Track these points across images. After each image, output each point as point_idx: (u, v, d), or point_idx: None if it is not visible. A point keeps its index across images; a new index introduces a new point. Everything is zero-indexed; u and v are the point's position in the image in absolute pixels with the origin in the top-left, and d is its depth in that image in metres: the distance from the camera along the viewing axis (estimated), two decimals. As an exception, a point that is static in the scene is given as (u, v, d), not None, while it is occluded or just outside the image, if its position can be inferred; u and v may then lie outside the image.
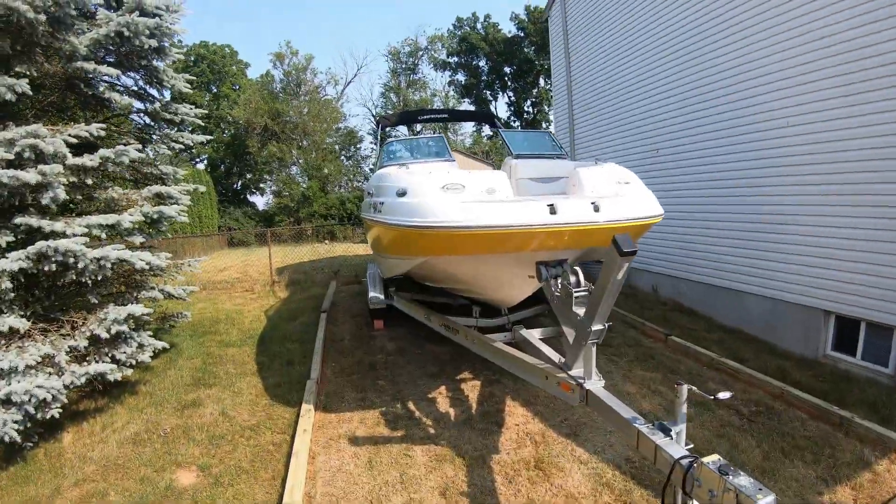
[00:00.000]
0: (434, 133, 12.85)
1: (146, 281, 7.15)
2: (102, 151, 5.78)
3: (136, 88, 7.29)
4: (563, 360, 5.04)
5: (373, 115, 50.33)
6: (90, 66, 5.88)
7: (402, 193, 5.17)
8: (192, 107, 8.05)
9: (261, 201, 48.34)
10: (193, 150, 48.20)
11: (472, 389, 6.69)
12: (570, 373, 4.77)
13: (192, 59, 48.58)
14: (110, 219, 5.80)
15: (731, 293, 8.74)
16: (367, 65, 79.17)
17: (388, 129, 10.44)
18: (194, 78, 8.16)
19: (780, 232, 7.77)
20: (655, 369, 7.13)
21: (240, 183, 48.37)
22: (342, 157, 46.38)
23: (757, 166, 8.02)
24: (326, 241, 24.74)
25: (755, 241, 8.19)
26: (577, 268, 4.91)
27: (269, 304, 11.36)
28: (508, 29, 45.03)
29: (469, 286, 6.39)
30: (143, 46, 6.16)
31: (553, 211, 4.53)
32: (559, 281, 4.87)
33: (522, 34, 43.49)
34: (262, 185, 47.37)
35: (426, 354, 7.72)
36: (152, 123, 7.66)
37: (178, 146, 7.87)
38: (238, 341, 8.76)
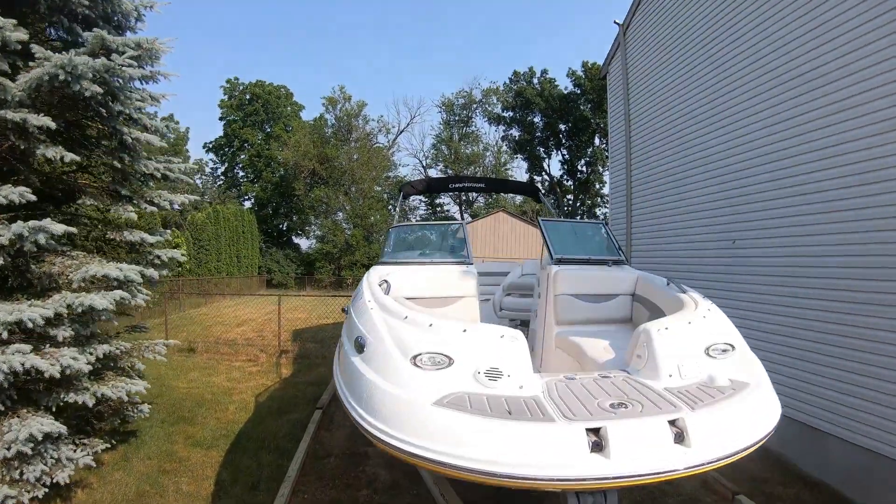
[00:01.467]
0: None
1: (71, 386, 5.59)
2: (15, 226, 4.45)
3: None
4: None
5: (423, 167, 49.65)
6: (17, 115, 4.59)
7: (360, 348, 3.76)
8: (174, 160, 6.71)
9: (305, 244, 47.89)
10: (242, 189, 48.52)
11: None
12: None
13: (248, 97, 49.12)
14: (12, 313, 4.41)
15: (810, 432, 6.71)
16: (421, 115, 79.73)
17: (410, 197, 8.97)
18: (170, 133, 6.84)
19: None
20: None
21: (285, 224, 48.07)
22: (389, 207, 45.64)
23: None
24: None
25: (846, 370, 6.26)
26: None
27: (266, 383, 9.89)
28: (565, 85, 44.20)
29: None
30: (85, 93, 4.87)
31: (599, 447, 2.84)
32: None
33: (579, 91, 42.47)
34: (306, 228, 46.87)
35: (424, 499, 5.72)
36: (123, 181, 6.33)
37: (154, 206, 6.51)
38: (210, 439, 7.24)
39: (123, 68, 5.20)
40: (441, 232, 6.72)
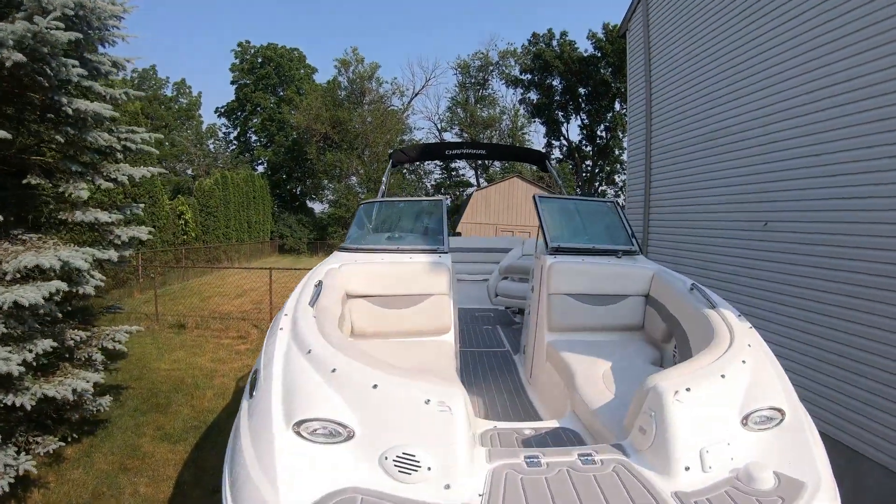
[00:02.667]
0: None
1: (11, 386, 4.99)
2: None
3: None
4: None
5: (438, 130, 48.57)
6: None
7: (251, 388, 2.80)
8: (137, 129, 6.07)
9: (319, 208, 47.50)
10: (254, 153, 48.01)
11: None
12: None
13: (260, 60, 48.27)
14: None
15: (842, 449, 5.76)
16: (436, 77, 77.76)
17: (402, 166, 8.08)
18: (126, 97, 6.15)
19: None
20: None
21: (298, 189, 47.61)
22: (404, 170, 44.91)
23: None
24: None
25: (889, 385, 5.25)
26: None
27: (252, 364, 9.38)
28: (585, 48, 42.80)
29: None
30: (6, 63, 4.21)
31: None
32: None
33: (599, 54, 41.01)
34: (320, 192, 46.37)
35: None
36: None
37: (110, 182, 5.91)
38: (179, 432, 6.77)
39: (52, 32, 4.53)
40: (416, 211, 5.81)
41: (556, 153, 46.82)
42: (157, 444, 6.49)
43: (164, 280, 17.96)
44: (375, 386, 2.45)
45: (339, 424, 2.34)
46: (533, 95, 45.92)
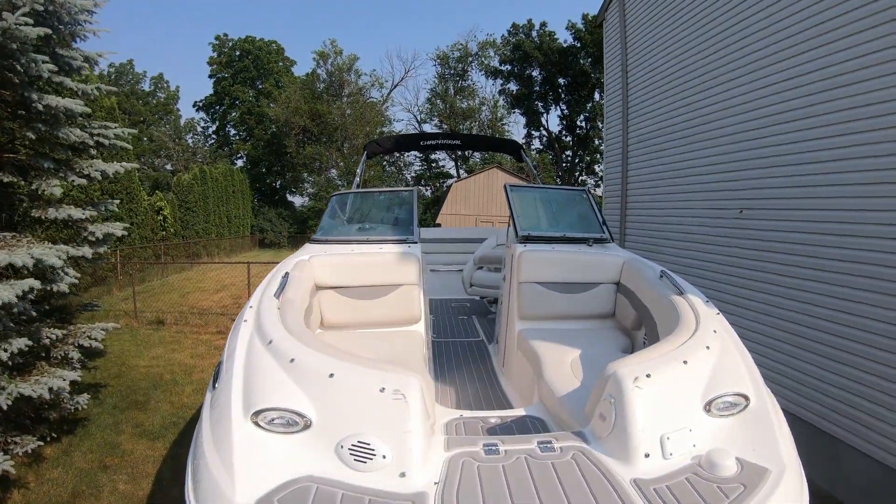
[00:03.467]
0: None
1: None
2: None
3: None
4: None
5: (417, 122, 48.45)
6: None
7: (213, 380, 2.85)
8: (110, 125, 6.02)
9: (299, 202, 47.25)
10: (233, 147, 47.59)
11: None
12: None
13: (238, 53, 47.82)
14: None
15: (824, 438, 5.79)
16: (415, 68, 77.34)
17: (377, 156, 8.05)
18: (102, 94, 6.12)
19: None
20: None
21: (278, 182, 47.30)
22: (384, 162, 44.77)
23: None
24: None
25: (866, 371, 5.27)
26: None
27: (232, 359, 9.39)
28: (564, 38, 42.73)
29: None
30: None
31: None
32: None
33: (579, 45, 41.04)
34: (300, 186, 46.10)
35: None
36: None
37: (83, 179, 5.86)
38: (158, 428, 6.76)
39: (21, 28, 4.48)
40: (387, 202, 5.82)
41: (536, 143, 46.93)
42: (136, 441, 6.48)
43: (144, 277, 17.81)
44: (332, 375, 2.46)
45: (297, 414, 2.36)
46: (512, 86, 45.87)
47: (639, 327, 4.19)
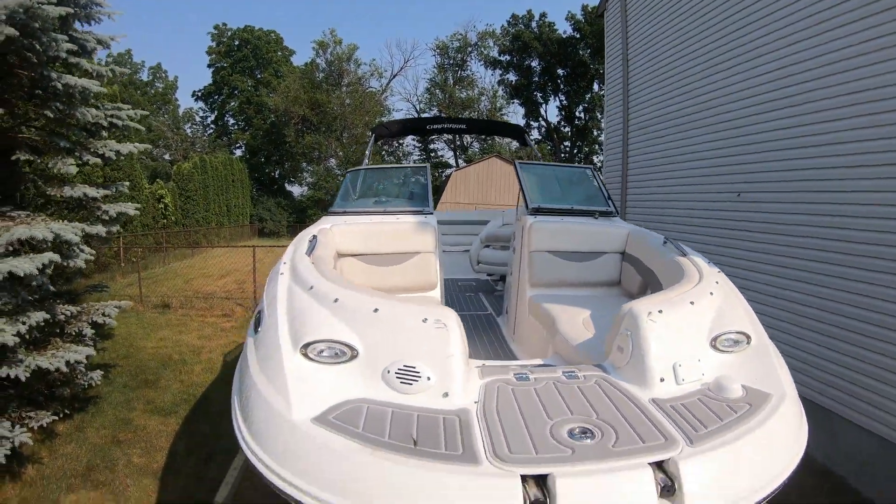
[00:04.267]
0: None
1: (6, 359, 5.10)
2: None
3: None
4: None
5: (416, 111, 48.45)
6: None
7: (256, 325, 2.98)
8: (123, 106, 6.15)
9: (298, 191, 47.30)
10: (232, 136, 47.56)
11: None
12: None
13: (237, 43, 47.71)
14: None
15: (817, 411, 5.81)
16: (415, 58, 77.09)
17: (384, 141, 8.23)
18: (118, 77, 6.28)
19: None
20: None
21: (277, 172, 47.32)
22: (383, 152, 44.78)
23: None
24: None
25: (863, 347, 5.46)
26: None
27: (238, 340, 9.55)
28: (564, 29, 42.78)
29: None
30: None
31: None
32: None
33: (578, 35, 41.09)
34: (299, 175, 46.13)
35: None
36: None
37: (98, 158, 5.99)
38: (170, 405, 6.91)
39: (42, 6, 4.60)
40: (402, 177, 5.98)
41: (535, 134, 46.96)
42: (148, 417, 6.62)
43: (146, 264, 17.92)
44: (376, 310, 2.66)
45: (345, 345, 2.55)
46: (511, 76, 45.94)
47: (644, 292, 4.39)
